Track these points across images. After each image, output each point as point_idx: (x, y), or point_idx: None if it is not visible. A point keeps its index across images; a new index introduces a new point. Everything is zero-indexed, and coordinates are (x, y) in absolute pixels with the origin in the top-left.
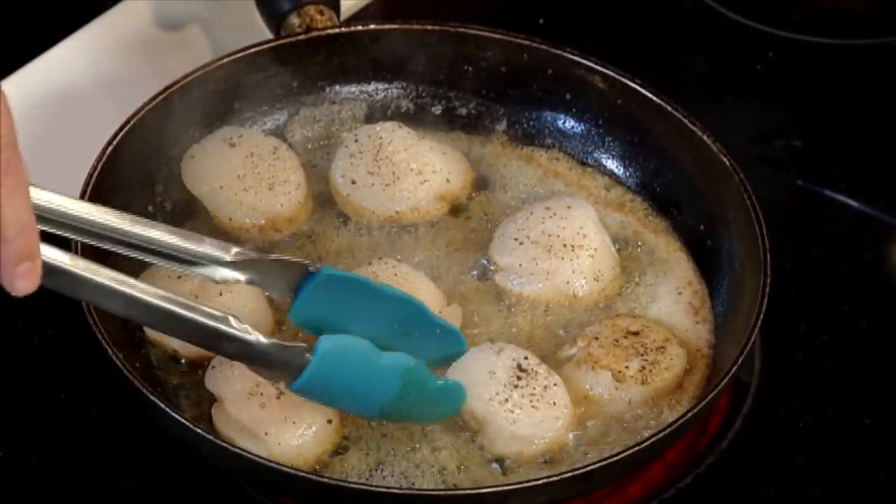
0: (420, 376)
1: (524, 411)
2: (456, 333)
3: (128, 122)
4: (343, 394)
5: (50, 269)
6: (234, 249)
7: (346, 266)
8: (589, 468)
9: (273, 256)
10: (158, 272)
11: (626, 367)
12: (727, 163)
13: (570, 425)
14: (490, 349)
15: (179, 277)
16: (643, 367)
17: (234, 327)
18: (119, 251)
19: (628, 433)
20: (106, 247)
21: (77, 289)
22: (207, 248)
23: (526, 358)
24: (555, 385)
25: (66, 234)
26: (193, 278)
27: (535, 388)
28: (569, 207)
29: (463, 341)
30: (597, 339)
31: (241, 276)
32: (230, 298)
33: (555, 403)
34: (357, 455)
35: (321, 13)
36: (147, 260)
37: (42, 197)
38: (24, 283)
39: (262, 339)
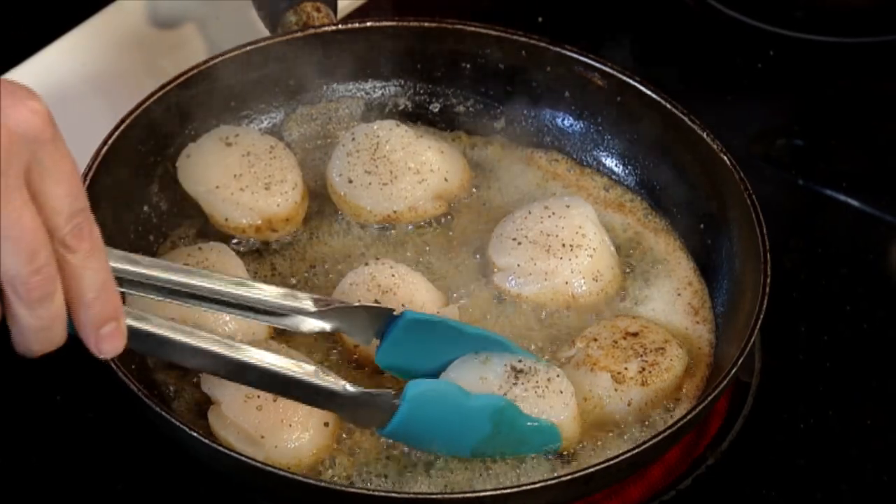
0: (511, 416)
1: (530, 399)
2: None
3: (123, 121)
4: (433, 436)
5: (133, 332)
6: (315, 299)
7: (342, 266)
8: (589, 471)
9: (356, 304)
10: None
11: (626, 369)
12: (727, 161)
13: (577, 418)
14: (475, 359)
15: None
16: (643, 369)
17: (323, 379)
18: (195, 306)
19: (628, 435)
20: (182, 303)
21: (159, 349)
22: (289, 300)
23: (519, 360)
24: (557, 376)
25: (133, 292)
26: None
27: (538, 382)
28: (567, 207)
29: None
30: (595, 340)
31: (326, 326)
32: None
33: (561, 392)
34: (355, 458)
35: (318, 10)
36: (225, 312)
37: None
38: (109, 345)
39: (350, 388)
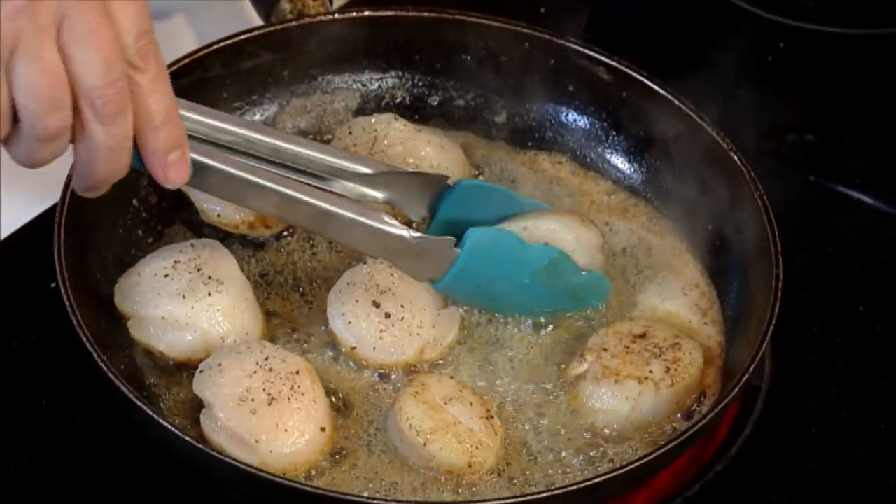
0: (565, 267)
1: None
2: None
3: None
4: (488, 288)
5: (196, 164)
6: (372, 163)
7: (339, 265)
8: (594, 481)
9: (411, 170)
10: (144, 270)
11: (651, 372)
12: (737, 159)
13: None
14: None
15: (167, 276)
16: (668, 368)
17: (388, 223)
18: (251, 162)
19: (650, 438)
20: (241, 159)
21: (220, 185)
22: (346, 162)
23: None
24: None
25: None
26: (181, 278)
27: None
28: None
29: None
30: (605, 349)
31: (378, 194)
32: (219, 298)
33: None
34: (352, 464)
35: None
36: (279, 173)
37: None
38: (175, 173)
39: (414, 234)
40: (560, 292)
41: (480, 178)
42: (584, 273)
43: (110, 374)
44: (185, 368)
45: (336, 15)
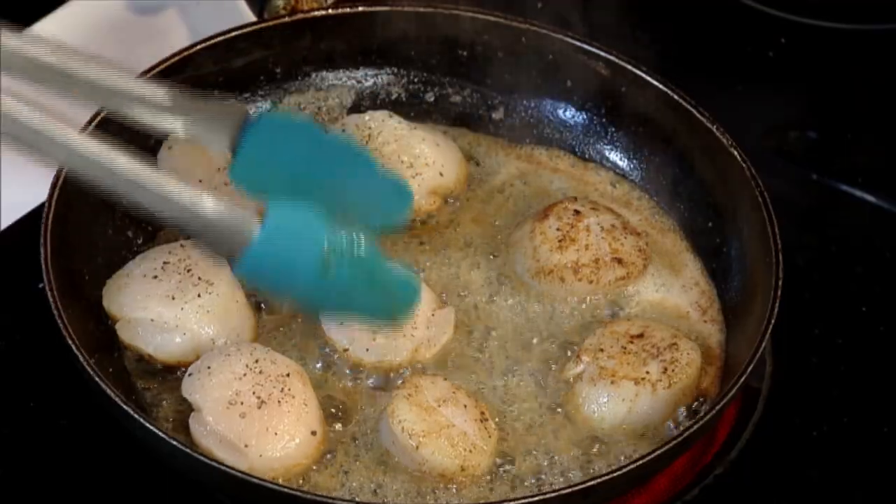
0: (372, 261)
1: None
2: (401, 188)
3: (98, 113)
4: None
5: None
6: (169, 91)
7: None
8: (588, 484)
9: (211, 101)
10: (133, 271)
11: (647, 373)
12: (737, 155)
13: None
14: None
15: (156, 277)
16: (665, 369)
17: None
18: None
19: (647, 440)
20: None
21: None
22: (138, 87)
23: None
24: None
25: None
26: (170, 279)
27: None
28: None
29: (408, 195)
30: (602, 350)
31: (177, 125)
32: (209, 299)
33: None
34: (343, 468)
35: None
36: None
37: None
38: None
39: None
40: (368, 292)
41: (476, 176)
42: (392, 270)
43: (97, 378)
44: (175, 371)
45: (330, 10)
